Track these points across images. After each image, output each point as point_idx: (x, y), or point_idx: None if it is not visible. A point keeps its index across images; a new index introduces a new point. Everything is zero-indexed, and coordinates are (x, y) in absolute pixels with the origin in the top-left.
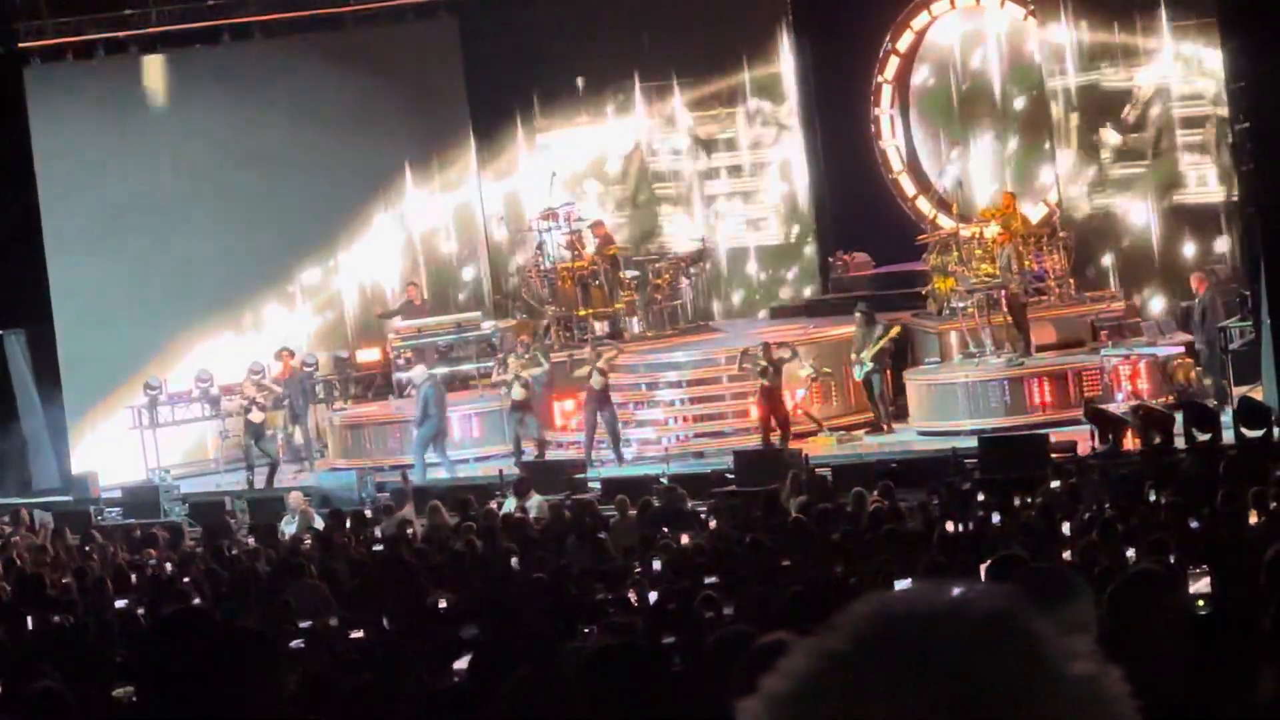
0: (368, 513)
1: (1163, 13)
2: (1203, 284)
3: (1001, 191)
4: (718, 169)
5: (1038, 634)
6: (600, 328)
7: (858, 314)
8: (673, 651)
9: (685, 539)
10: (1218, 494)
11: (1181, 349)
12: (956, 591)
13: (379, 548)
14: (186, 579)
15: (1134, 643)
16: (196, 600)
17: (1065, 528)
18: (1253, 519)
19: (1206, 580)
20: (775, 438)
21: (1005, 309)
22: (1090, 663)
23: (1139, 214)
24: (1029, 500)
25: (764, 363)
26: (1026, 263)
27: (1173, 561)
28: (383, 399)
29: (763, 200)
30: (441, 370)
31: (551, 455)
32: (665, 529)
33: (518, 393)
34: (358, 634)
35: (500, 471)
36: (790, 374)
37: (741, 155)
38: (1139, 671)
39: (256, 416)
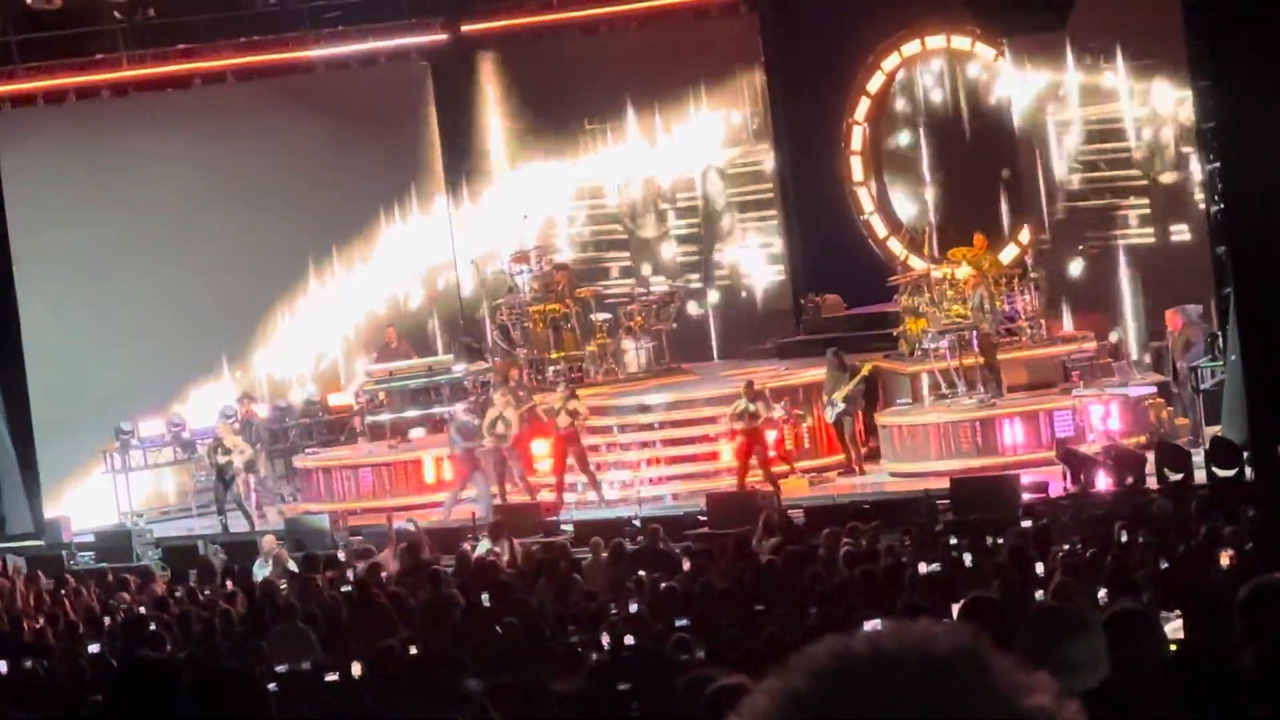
0: (341, 555)
1: (1121, 52)
2: (1177, 322)
3: (972, 233)
4: (689, 210)
5: (995, 669)
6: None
7: (828, 357)
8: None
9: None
10: (1190, 534)
11: (1154, 389)
12: (916, 630)
13: (347, 588)
14: (158, 624)
15: (1117, 679)
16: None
17: (1038, 568)
18: (1225, 559)
19: (1179, 621)
20: (753, 480)
21: (978, 349)
22: (1047, 696)
23: (1109, 252)
24: (1001, 541)
25: (743, 406)
26: (998, 303)
27: (1146, 601)
28: (354, 442)
29: (735, 242)
30: (412, 413)
31: (520, 499)
32: (640, 571)
33: (501, 432)
34: (332, 677)
35: (473, 515)
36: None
37: (712, 198)
38: (1120, 707)
39: (223, 460)
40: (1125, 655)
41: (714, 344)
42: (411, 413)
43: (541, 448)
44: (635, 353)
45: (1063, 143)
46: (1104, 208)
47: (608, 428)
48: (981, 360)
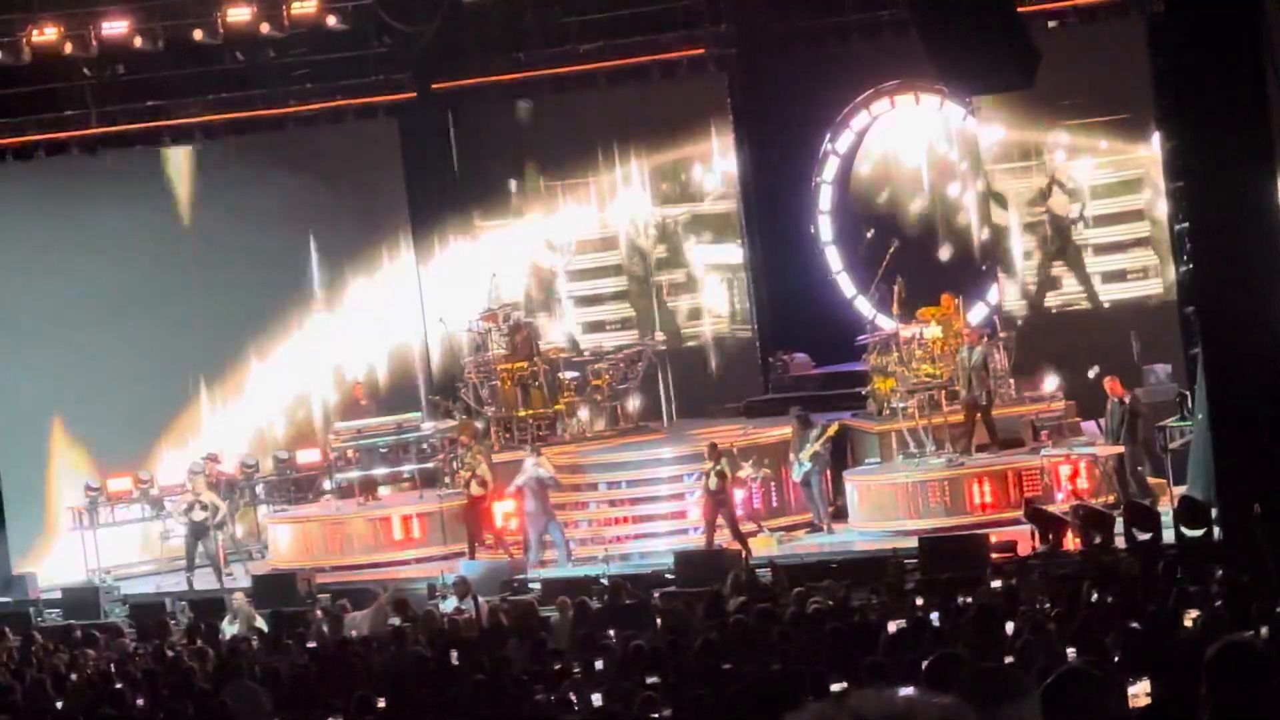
0: (319, 613)
1: (1089, 111)
2: (1117, 387)
3: (941, 294)
4: (657, 266)
5: None
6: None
7: (793, 417)
8: None
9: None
10: (1158, 594)
11: (1122, 449)
12: (901, 698)
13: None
14: (124, 681)
15: None
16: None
17: (1007, 627)
18: (1192, 620)
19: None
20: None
21: (978, 412)
22: None
23: (1076, 311)
24: (969, 600)
25: (709, 465)
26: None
27: (1116, 661)
28: (322, 499)
29: (704, 300)
30: (380, 471)
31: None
32: (608, 629)
33: (476, 489)
34: None
35: (441, 572)
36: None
37: (681, 254)
38: None
39: (199, 515)
40: (1076, 716)
41: (681, 403)
42: (380, 470)
43: (507, 506)
44: (603, 411)
45: (1030, 201)
46: (1073, 265)
47: (575, 486)
48: (979, 416)
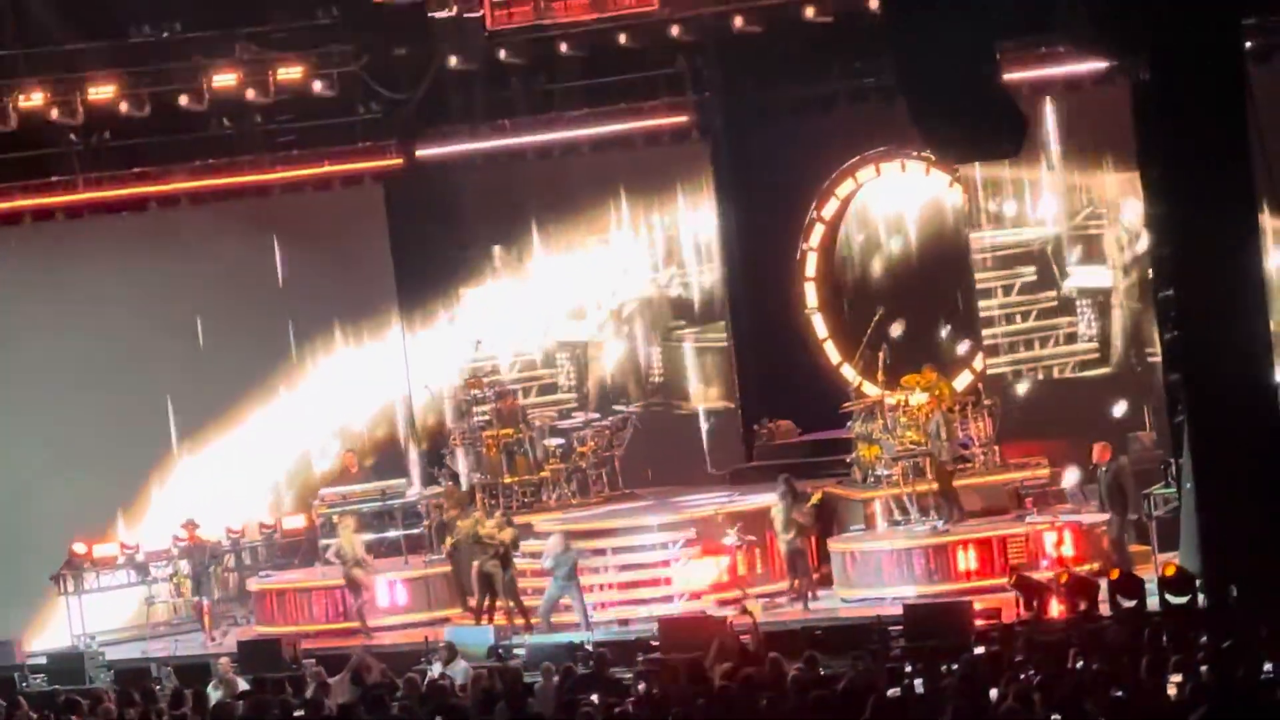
0: (306, 677)
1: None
2: (1106, 453)
3: (924, 364)
4: (643, 332)
5: None
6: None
7: (779, 484)
8: None
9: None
10: (1143, 662)
11: (1108, 515)
12: None
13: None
14: None
15: None
16: None
17: (991, 694)
18: (1176, 688)
19: None
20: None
21: (932, 476)
22: None
23: (1060, 377)
24: (954, 667)
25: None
26: (954, 430)
27: None
28: (309, 565)
29: (687, 366)
30: (367, 537)
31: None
32: (592, 696)
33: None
34: None
35: (425, 638)
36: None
37: (666, 320)
38: None
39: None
40: None
41: (666, 470)
42: (365, 536)
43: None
44: (587, 478)
45: (1014, 268)
46: (1054, 333)
47: None
48: (936, 487)
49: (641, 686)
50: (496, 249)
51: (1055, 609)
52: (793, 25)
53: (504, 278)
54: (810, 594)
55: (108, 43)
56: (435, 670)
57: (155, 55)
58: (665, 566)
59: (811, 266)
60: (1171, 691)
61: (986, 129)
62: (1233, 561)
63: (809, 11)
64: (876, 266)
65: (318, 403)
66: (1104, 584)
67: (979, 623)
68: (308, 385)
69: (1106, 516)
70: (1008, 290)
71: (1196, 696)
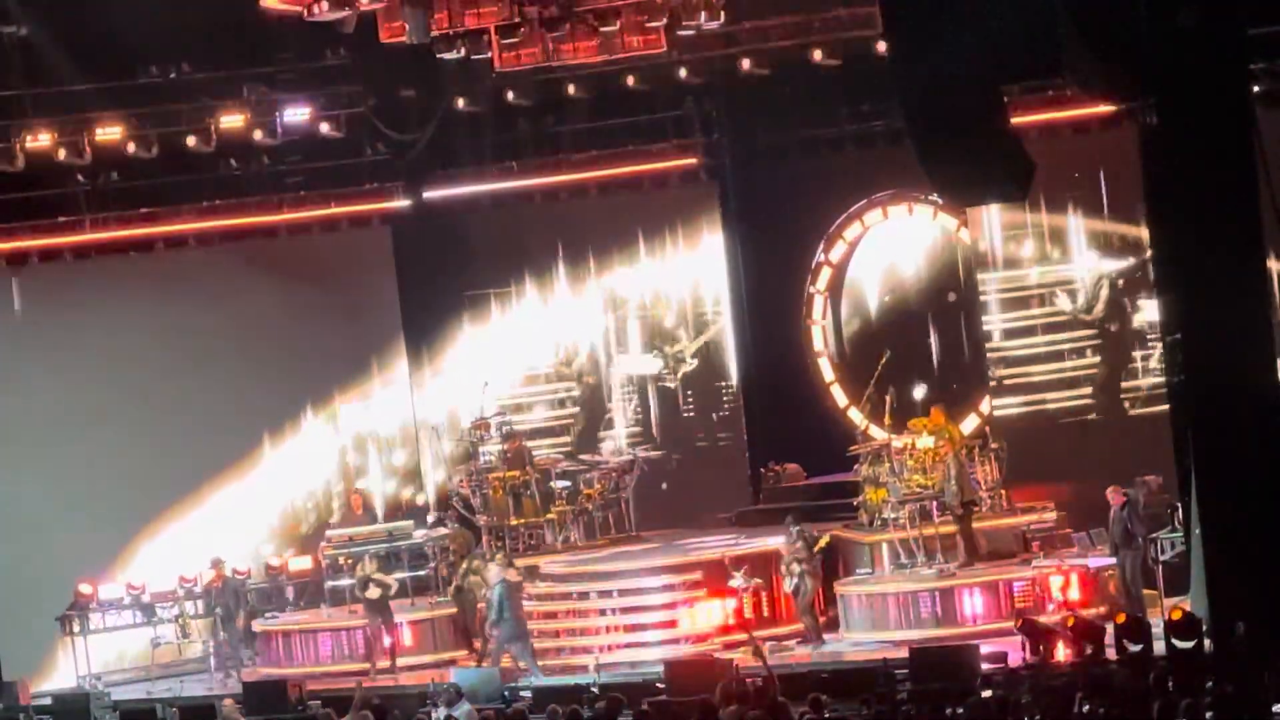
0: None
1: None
2: (1120, 498)
3: (931, 408)
4: (650, 376)
5: None
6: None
7: (787, 526)
8: None
9: None
10: (1149, 706)
11: (1114, 559)
12: None
13: None
14: None
15: None
16: None
17: None
18: None
19: None
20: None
21: (953, 519)
22: None
23: (1070, 421)
24: (960, 710)
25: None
26: (965, 472)
27: None
28: (315, 607)
29: (694, 408)
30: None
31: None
32: None
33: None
34: None
35: (430, 680)
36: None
37: (674, 362)
38: None
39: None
40: None
41: (672, 512)
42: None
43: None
44: (594, 520)
45: (1025, 311)
46: (1065, 377)
47: (567, 594)
48: (956, 529)
49: None
50: (504, 290)
51: (1061, 653)
52: (800, 68)
53: (511, 319)
54: (816, 637)
55: (115, 83)
56: (440, 713)
57: (163, 96)
58: (671, 609)
59: (819, 309)
60: None
61: (995, 172)
62: (1240, 606)
63: (817, 54)
64: (884, 309)
65: (323, 444)
66: (1110, 628)
67: (985, 666)
68: (313, 426)
69: (1113, 560)
70: (1015, 334)
71: None
